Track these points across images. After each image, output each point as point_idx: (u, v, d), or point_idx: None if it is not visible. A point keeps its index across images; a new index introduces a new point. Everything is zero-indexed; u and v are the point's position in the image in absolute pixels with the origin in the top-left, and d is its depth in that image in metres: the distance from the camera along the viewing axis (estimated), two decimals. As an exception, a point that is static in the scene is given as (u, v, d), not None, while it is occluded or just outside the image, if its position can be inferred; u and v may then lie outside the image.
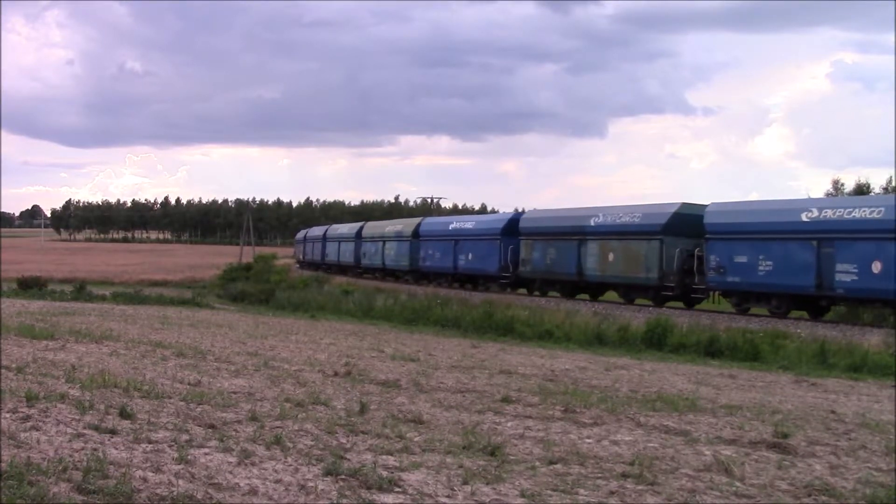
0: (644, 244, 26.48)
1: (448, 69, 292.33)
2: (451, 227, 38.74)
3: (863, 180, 56.43)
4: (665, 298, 26.30)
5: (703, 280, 24.85)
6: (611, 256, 27.82)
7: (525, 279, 32.72)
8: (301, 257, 66.54)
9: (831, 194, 53.89)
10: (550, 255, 30.75)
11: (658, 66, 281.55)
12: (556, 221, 31.71)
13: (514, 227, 33.35)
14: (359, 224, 54.34)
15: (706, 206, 26.11)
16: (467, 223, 38.29)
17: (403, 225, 44.94)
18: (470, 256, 35.87)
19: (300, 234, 73.84)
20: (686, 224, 25.72)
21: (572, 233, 29.83)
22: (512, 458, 5.42)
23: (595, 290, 30.31)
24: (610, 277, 28.36)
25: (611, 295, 30.18)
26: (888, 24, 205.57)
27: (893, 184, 53.96)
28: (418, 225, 41.98)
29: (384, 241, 45.14)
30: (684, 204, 26.76)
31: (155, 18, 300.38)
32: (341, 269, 53.06)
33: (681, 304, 26.75)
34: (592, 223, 29.02)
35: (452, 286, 36.84)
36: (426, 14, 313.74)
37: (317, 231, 64.80)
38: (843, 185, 56.98)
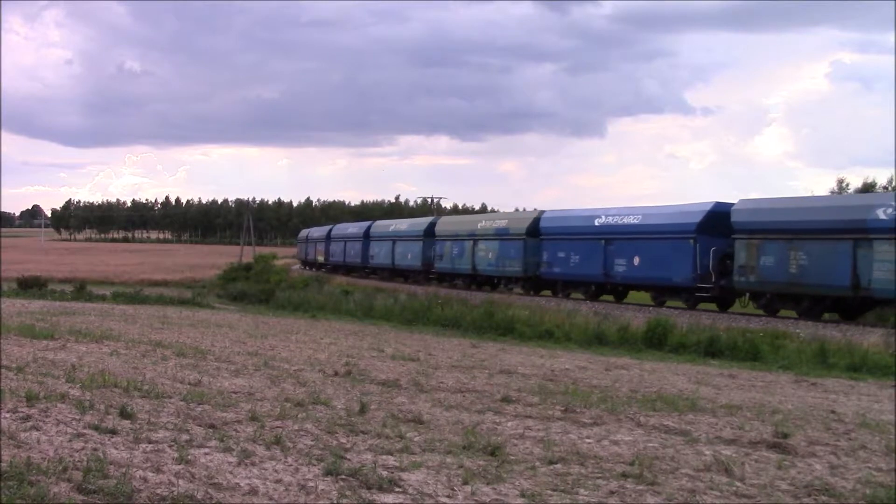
0: None
1: (446, 69, 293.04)
2: (596, 222, 29.63)
3: (869, 180, 56.67)
4: None
5: None
6: None
7: (740, 291, 24.78)
8: (324, 258, 57.95)
9: (834, 193, 54.09)
10: (797, 259, 22.41)
11: (657, 66, 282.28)
12: (803, 214, 22.98)
13: (719, 222, 24.82)
14: (426, 220, 44.72)
15: None
16: (628, 217, 28.66)
17: (509, 220, 35.51)
18: (636, 261, 27.35)
19: (315, 232, 65.50)
20: None
21: (840, 230, 21.54)
22: (512, 458, 5.42)
23: (875, 306, 22.32)
24: None
25: None
26: (887, 23, 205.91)
27: (895, 183, 54.10)
28: (536, 220, 32.98)
29: (475, 241, 35.92)
30: None
31: (153, 18, 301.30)
32: (394, 273, 44.62)
33: (681, 304, 25.41)
34: (881, 215, 20.71)
35: (599, 298, 29.67)
36: (424, 14, 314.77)
37: (351, 228, 55.24)
38: (847, 184, 57.24)
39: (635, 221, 28.09)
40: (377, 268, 47.11)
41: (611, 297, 29.90)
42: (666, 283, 26.79)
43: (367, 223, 53.67)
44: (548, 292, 32.70)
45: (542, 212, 33.90)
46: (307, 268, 62.43)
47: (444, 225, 40.69)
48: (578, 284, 30.77)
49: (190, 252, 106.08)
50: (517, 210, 64.50)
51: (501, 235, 34.54)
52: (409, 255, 42.46)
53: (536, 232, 32.39)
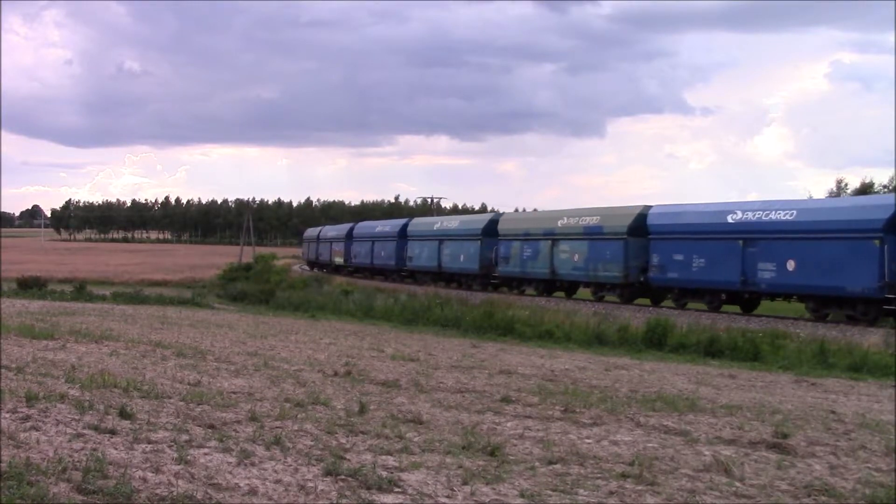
0: None
1: (446, 69, 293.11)
2: (730, 218, 24.71)
3: (867, 180, 56.64)
4: None
5: None
6: None
7: None
8: (343, 260, 53.56)
9: (833, 193, 54.10)
10: None
11: (656, 66, 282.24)
12: None
13: None
14: (483, 217, 39.56)
15: None
16: (777, 212, 23.56)
17: (602, 217, 30.21)
18: (791, 266, 22.62)
19: (330, 231, 61.00)
20: None
21: None
22: (512, 458, 5.41)
23: None
24: None
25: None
26: (886, 23, 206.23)
27: (895, 183, 54.07)
28: (641, 216, 27.93)
29: (554, 241, 31.47)
30: None
31: (153, 18, 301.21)
32: (440, 277, 40.07)
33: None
34: None
35: (722, 309, 25.16)
36: (423, 14, 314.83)
37: (381, 226, 50.22)
38: (846, 184, 57.17)
39: (789, 217, 23.11)
40: (417, 271, 42.29)
41: (736, 308, 25.54)
42: (836, 292, 22.08)
43: (401, 221, 49.22)
44: (646, 300, 28.34)
45: (648, 206, 28.50)
46: (316, 269, 59.09)
47: (511, 223, 35.51)
48: (703, 292, 25.83)
49: (190, 252, 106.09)
50: (517, 210, 63.74)
51: (593, 234, 29.61)
52: (462, 257, 37.53)
53: (642, 230, 27.51)
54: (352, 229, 54.38)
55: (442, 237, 39.98)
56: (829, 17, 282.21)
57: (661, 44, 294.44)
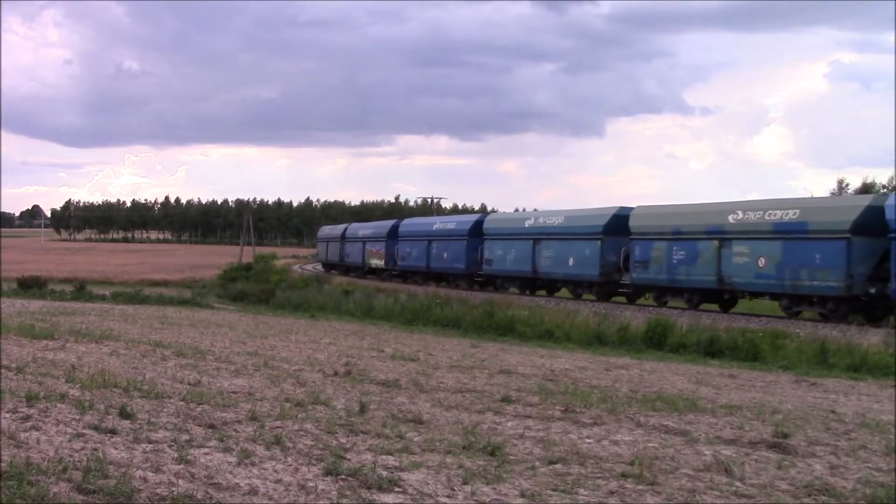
0: None
1: (445, 69, 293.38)
2: None
3: (868, 180, 56.53)
4: None
5: None
6: None
7: None
8: (384, 262, 46.94)
9: (834, 194, 54.03)
10: None
11: (655, 66, 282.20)
12: None
13: None
14: (604, 210, 31.14)
15: None
16: None
17: (803, 210, 23.23)
18: None
19: (362, 230, 53.51)
20: None
21: None
22: (512, 458, 5.41)
23: None
24: None
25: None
26: (885, 23, 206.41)
27: (895, 183, 54.02)
28: (870, 210, 21.38)
29: (721, 241, 24.79)
30: None
31: (152, 18, 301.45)
32: (529, 283, 33.99)
33: (682, 305, 24.78)
34: None
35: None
36: (423, 14, 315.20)
37: (441, 223, 42.93)
38: (847, 184, 57.09)
39: None
40: (499, 276, 35.92)
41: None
42: None
43: (472, 216, 41.89)
44: (858, 316, 21.93)
45: (884, 195, 22.17)
46: (333, 272, 53.59)
47: (649, 219, 28.19)
48: None
49: (190, 252, 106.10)
50: (518, 210, 62.62)
51: (790, 233, 22.85)
52: (572, 261, 30.78)
53: (874, 226, 20.99)
54: (396, 226, 46.88)
55: (537, 236, 33.14)
56: (829, 17, 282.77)
57: (660, 44, 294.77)
